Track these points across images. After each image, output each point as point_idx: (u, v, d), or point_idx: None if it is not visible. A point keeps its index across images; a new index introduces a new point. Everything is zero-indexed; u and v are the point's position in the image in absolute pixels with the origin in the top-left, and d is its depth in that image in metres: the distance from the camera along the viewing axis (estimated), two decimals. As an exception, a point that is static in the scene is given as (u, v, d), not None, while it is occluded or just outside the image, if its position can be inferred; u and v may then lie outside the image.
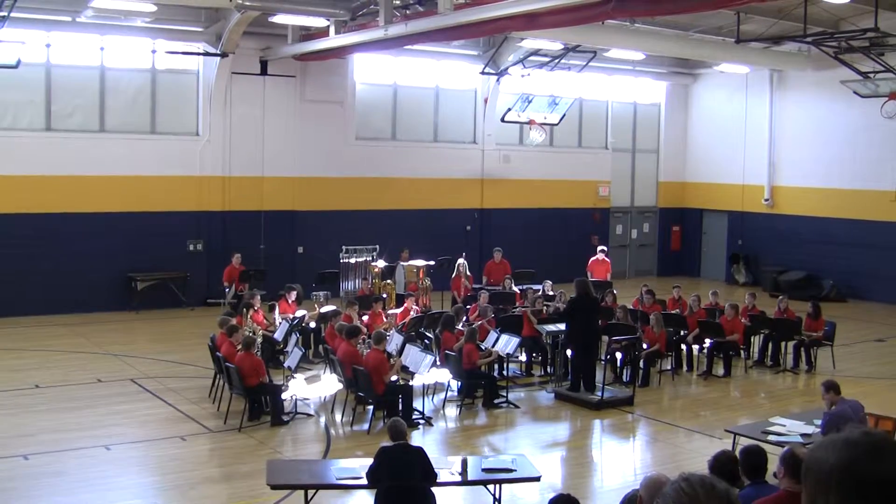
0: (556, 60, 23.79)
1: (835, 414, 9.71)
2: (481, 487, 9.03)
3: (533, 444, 12.26)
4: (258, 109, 22.36)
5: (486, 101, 25.46)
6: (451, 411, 13.60)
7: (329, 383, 14.12)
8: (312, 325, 16.51)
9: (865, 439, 2.23)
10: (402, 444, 8.28)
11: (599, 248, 22.57)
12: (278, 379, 13.48)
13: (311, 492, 8.46)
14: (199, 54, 21.43)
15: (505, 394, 13.96)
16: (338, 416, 13.03)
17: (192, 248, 21.89)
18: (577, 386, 14.20)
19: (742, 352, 16.78)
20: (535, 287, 18.62)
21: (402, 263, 20.42)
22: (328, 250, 21.38)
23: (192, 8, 20.46)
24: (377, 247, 21.61)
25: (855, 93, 22.25)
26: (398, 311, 17.10)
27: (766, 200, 27.18)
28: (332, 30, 19.49)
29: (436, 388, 14.12)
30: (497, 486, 8.82)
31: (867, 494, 2.16)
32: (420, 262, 20.12)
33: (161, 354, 16.74)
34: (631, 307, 17.14)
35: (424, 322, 16.26)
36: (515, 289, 18.81)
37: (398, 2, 18.05)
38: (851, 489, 2.17)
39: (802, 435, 10.04)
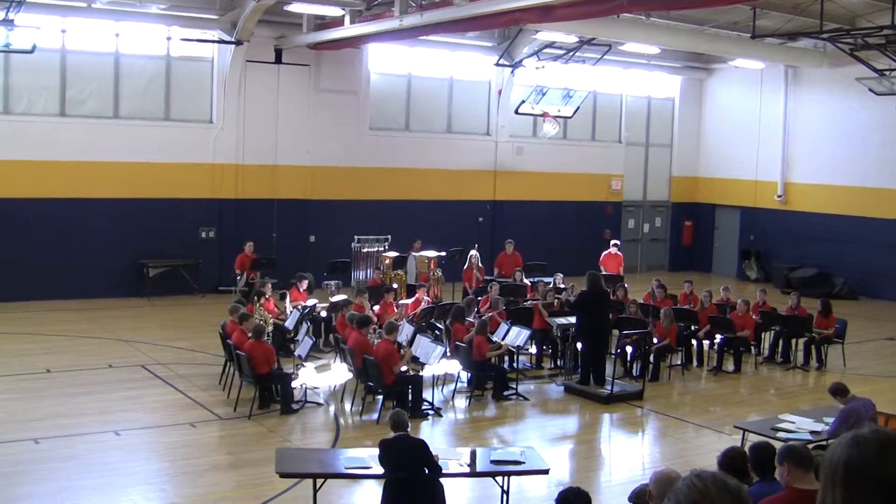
0: (571, 53, 23.73)
1: (847, 411, 9.67)
2: (490, 479, 9.04)
3: (542, 436, 12.26)
4: (272, 98, 22.37)
5: (499, 92, 25.40)
6: (461, 402, 13.62)
7: (339, 372, 14.15)
8: (323, 314, 16.55)
9: (874, 437, 2.24)
10: (402, 436, 8.24)
11: (612, 241, 22.55)
12: (288, 367, 13.53)
13: (319, 480, 8.48)
14: (213, 42, 21.43)
15: (515, 386, 13.97)
16: (347, 406, 13.05)
17: (204, 235, 21.94)
18: (587, 379, 14.21)
19: (752, 348, 16.77)
20: (546, 280, 18.63)
21: (413, 254, 20.43)
22: (340, 239, 21.46)
23: (208, -5, 20.50)
24: (389, 237, 21.63)
25: (870, 90, 22.11)
26: (409, 301, 17.11)
27: (779, 197, 27.08)
28: (347, 19, 19.50)
29: (446, 379, 14.14)
30: (505, 478, 8.82)
31: (872, 491, 2.16)
32: (431, 253, 20.12)
33: (172, 341, 16.79)
34: (642, 301, 17.13)
35: (435, 313, 16.26)
36: (526, 281, 18.79)
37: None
38: (856, 485, 2.18)
39: (812, 432, 10.02)
